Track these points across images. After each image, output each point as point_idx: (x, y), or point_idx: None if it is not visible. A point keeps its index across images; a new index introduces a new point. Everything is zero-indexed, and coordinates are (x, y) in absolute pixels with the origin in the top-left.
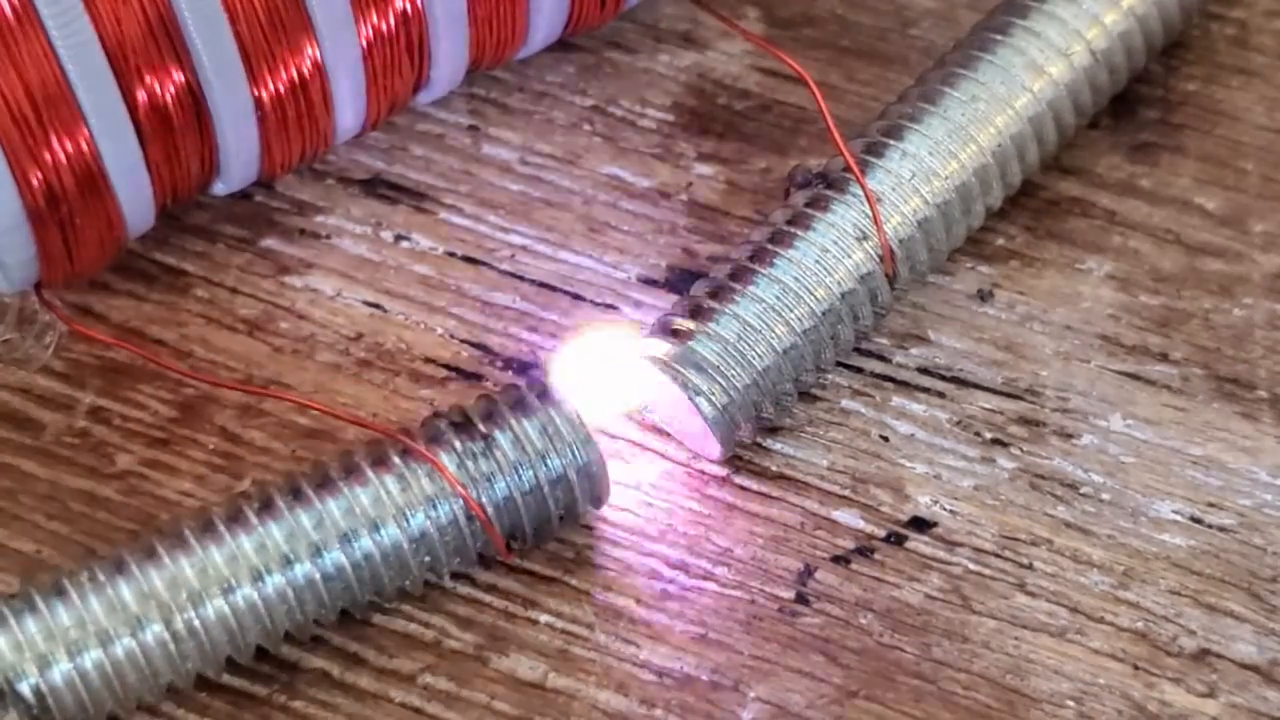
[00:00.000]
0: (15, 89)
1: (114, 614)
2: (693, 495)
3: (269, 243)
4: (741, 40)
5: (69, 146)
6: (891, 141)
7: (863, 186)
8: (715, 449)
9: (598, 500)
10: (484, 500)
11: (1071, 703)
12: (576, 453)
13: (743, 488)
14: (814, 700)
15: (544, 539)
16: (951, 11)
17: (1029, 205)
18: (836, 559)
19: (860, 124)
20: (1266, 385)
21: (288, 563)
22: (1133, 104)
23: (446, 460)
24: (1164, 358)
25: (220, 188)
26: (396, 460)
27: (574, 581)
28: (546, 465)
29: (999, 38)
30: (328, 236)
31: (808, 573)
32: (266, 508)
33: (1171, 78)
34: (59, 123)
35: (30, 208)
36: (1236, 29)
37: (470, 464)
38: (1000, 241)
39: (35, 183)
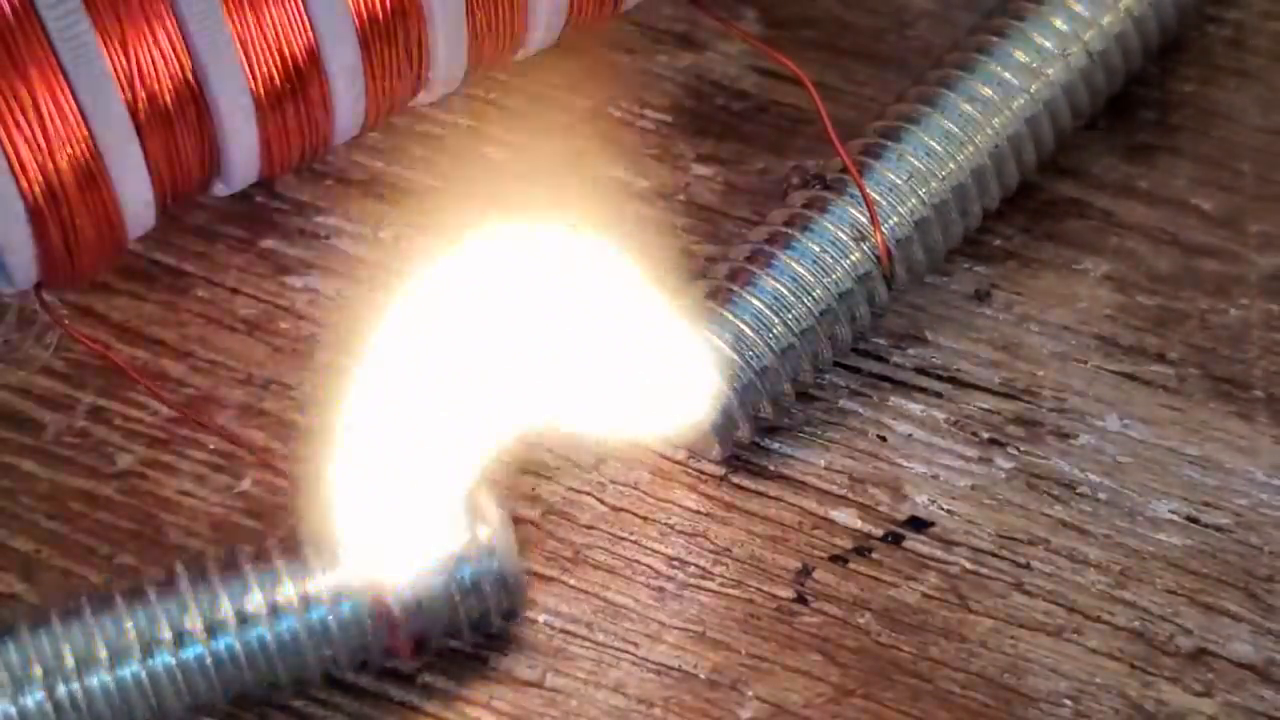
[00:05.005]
0: (15, 88)
1: None
2: (691, 494)
3: (269, 243)
4: (739, 41)
5: (69, 145)
6: (889, 143)
7: (860, 187)
8: (714, 448)
9: (511, 613)
10: (390, 601)
11: (1069, 701)
12: (493, 562)
13: (741, 487)
14: (811, 699)
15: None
16: (949, 13)
17: (1026, 206)
18: (834, 558)
19: (858, 125)
20: (1262, 385)
21: (180, 642)
22: (1130, 105)
23: None
24: (1161, 358)
25: (220, 188)
26: (306, 549)
27: (572, 580)
28: (460, 572)
29: (996, 39)
30: (327, 236)
31: (805, 572)
32: (167, 584)
33: (1168, 79)
34: (59, 121)
35: (30, 207)
36: (1233, 30)
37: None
38: (997, 242)
39: (35, 182)
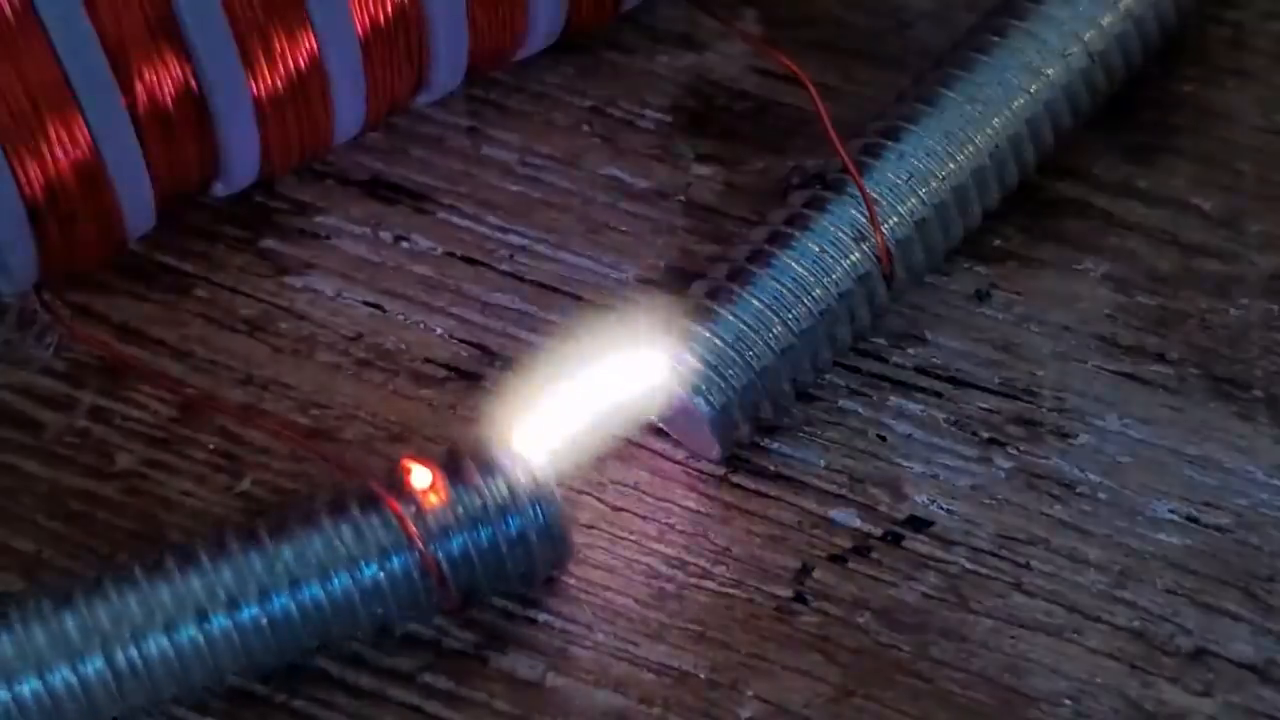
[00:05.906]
0: (15, 88)
1: (55, 645)
2: (691, 494)
3: (269, 243)
4: (739, 41)
5: (69, 146)
6: (889, 142)
7: (860, 188)
8: (713, 448)
9: (559, 563)
10: (439, 555)
11: (1069, 701)
12: (538, 513)
13: (740, 487)
14: (811, 699)
15: (498, 592)
16: (948, 12)
17: (1026, 206)
18: (834, 558)
19: (858, 125)
20: (1262, 385)
21: (234, 605)
22: (1129, 105)
23: (405, 512)
24: (1160, 358)
25: (220, 188)
26: (354, 510)
27: (572, 580)
28: (506, 524)
29: (996, 39)
30: (327, 237)
31: (805, 571)
32: (219, 548)
33: (1168, 79)
34: (59, 122)
35: (31, 207)
36: (1233, 31)
37: (429, 517)
38: (997, 242)
39: (36, 182)
